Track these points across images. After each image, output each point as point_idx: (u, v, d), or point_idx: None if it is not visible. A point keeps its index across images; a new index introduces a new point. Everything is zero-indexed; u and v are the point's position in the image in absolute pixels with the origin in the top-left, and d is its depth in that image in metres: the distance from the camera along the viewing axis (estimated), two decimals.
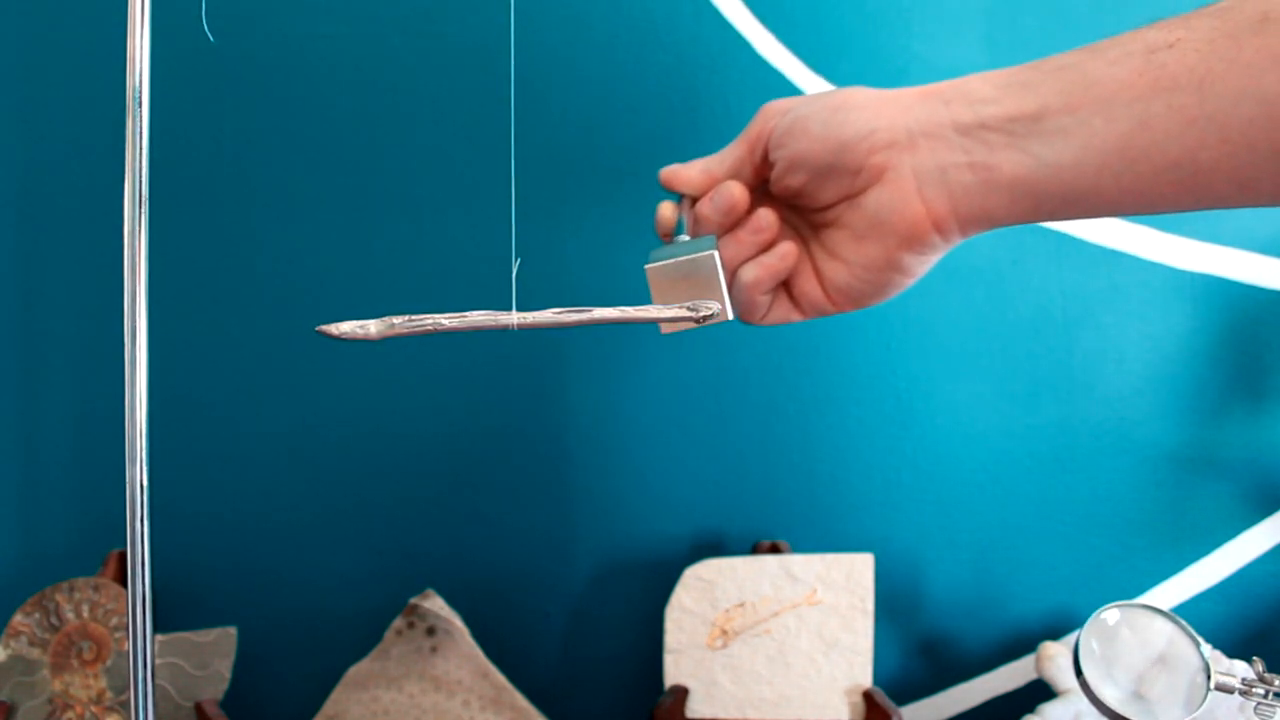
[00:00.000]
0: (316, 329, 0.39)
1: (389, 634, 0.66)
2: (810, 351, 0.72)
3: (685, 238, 0.46)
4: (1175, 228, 0.72)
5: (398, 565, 0.71)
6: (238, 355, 0.69)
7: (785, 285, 0.48)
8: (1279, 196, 0.36)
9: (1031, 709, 0.65)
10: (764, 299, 0.47)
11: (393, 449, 0.71)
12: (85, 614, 0.62)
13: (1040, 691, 0.69)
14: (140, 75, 0.38)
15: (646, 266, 0.45)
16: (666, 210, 0.48)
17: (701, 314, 0.43)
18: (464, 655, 0.66)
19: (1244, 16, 0.34)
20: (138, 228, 0.38)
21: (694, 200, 0.48)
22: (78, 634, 0.62)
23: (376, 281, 0.70)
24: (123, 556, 0.66)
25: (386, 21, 0.69)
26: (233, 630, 0.65)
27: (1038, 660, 0.67)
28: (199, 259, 0.69)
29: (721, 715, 0.67)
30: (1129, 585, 0.73)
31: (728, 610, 0.67)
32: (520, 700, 0.66)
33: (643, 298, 0.46)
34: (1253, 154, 0.34)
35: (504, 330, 0.40)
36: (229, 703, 0.65)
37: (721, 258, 0.44)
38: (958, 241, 0.43)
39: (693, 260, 0.44)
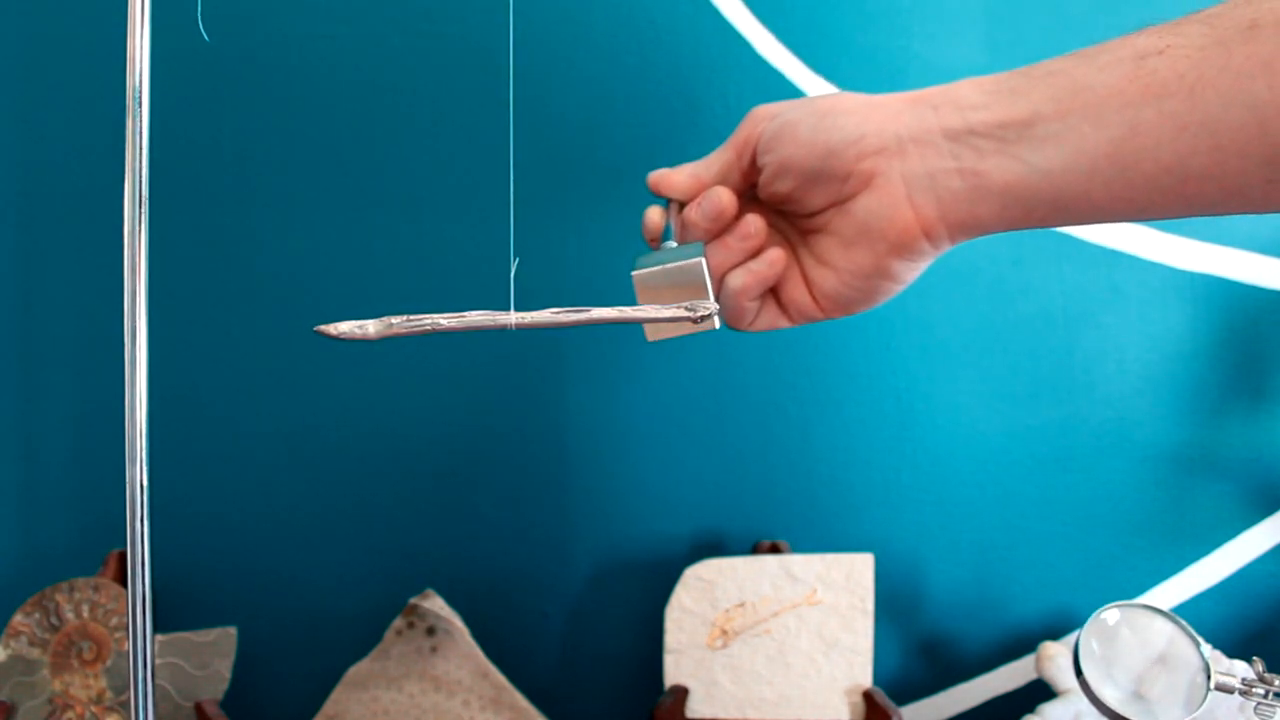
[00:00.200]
0: (314, 329, 0.39)
1: (389, 634, 0.66)
2: (810, 351, 0.72)
3: (673, 244, 0.46)
4: (1175, 228, 0.72)
5: (398, 565, 0.71)
6: (238, 355, 0.69)
7: (773, 291, 0.47)
8: (1270, 203, 0.36)
9: (1031, 709, 0.65)
10: (752, 305, 0.46)
11: (393, 449, 0.71)
12: (85, 614, 0.62)
13: (1040, 691, 0.69)
14: (140, 75, 0.38)
15: (633, 273, 0.44)
16: (654, 215, 0.48)
17: (699, 314, 0.42)
18: (464, 655, 0.66)
19: (1233, 23, 0.34)
20: (138, 228, 0.38)
21: (682, 205, 0.47)
22: (78, 634, 0.62)
23: (375, 281, 0.70)
24: (123, 556, 0.66)
25: (386, 21, 0.69)
26: (233, 630, 0.65)
27: (1038, 660, 0.67)
28: (199, 259, 0.69)
29: (721, 715, 0.67)
30: (1129, 585, 0.73)
31: (728, 610, 0.67)
32: (520, 700, 0.66)
33: None
34: (1244, 160, 0.34)
35: (503, 330, 0.40)
36: (229, 703, 0.65)
37: (709, 264, 0.44)
38: (947, 248, 0.43)
39: (680, 267, 0.43)
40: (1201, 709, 0.38)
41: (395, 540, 0.71)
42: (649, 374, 0.71)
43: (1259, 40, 0.33)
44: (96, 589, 0.63)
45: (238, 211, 0.69)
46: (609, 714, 0.73)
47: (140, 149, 0.38)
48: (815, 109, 0.43)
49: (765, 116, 0.45)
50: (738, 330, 0.48)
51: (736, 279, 0.45)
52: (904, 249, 0.43)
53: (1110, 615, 0.40)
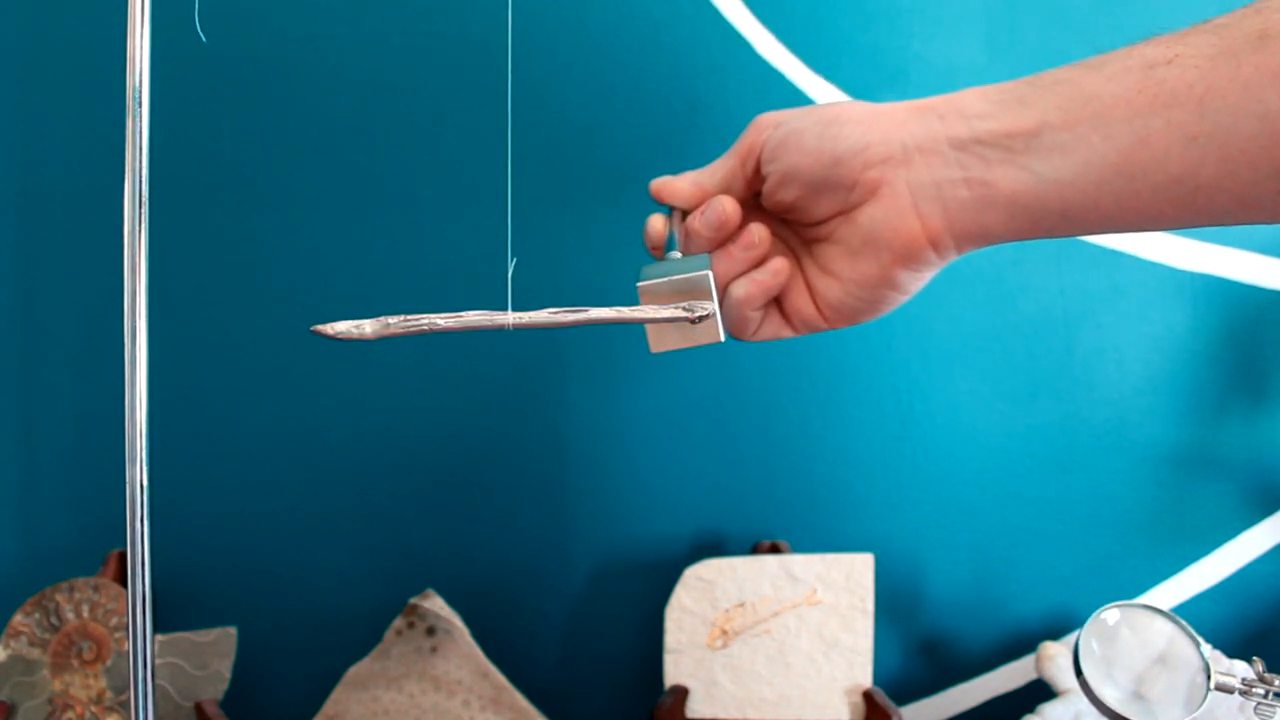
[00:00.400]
0: (311, 329, 0.39)
1: (389, 634, 0.66)
2: (810, 351, 0.72)
3: (677, 254, 0.45)
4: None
5: (398, 565, 0.71)
6: (238, 355, 0.69)
7: (777, 301, 0.47)
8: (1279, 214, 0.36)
9: (1031, 709, 0.65)
10: (755, 315, 0.46)
11: (393, 449, 0.71)
12: (85, 614, 0.63)
13: (1040, 691, 0.69)
14: (140, 75, 0.38)
15: (639, 285, 0.44)
16: (657, 224, 0.48)
17: (696, 314, 0.42)
18: (464, 655, 0.66)
19: (1243, 33, 0.34)
20: (138, 228, 0.38)
21: (684, 213, 0.47)
22: (78, 634, 0.62)
23: (375, 281, 0.70)
24: (123, 556, 0.66)
25: (386, 21, 0.69)
26: (233, 630, 0.65)
27: (1038, 660, 0.67)
28: (199, 259, 0.69)
29: (721, 715, 0.67)
30: (1129, 585, 0.73)
31: (728, 610, 0.67)
32: (520, 700, 0.66)
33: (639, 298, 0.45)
34: (1254, 171, 0.34)
35: (502, 330, 0.40)
36: (229, 703, 0.65)
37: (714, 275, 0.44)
38: (953, 258, 0.43)
39: (687, 279, 0.43)
40: (1201, 709, 0.38)
41: (395, 540, 0.71)
42: (649, 374, 0.71)
43: (1269, 51, 0.33)
44: (96, 589, 0.63)
45: (237, 211, 0.69)
46: (609, 714, 0.73)
47: (140, 149, 0.38)
48: (820, 117, 0.43)
49: (770, 124, 0.45)
50: (740, 340, 0.47)
51: (740, 289, 0.45)
52: (910, 259, 0.42)
53: (1110, 615, 0.40)
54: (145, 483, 0.39)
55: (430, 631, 0.66)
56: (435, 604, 0.66)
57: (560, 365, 0.71)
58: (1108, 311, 0.72)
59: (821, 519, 0.72)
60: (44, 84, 0.68)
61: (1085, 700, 0.40)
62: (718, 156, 0.48)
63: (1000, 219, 0.40)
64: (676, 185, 0.47)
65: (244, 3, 0.68)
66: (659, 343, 0.44)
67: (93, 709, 0.62)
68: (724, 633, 0.67)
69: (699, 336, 0.43)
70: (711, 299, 0.43)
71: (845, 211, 0.43)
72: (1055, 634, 0.72)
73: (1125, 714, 0.38)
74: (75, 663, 0.62)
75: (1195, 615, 0.72)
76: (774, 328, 0.47)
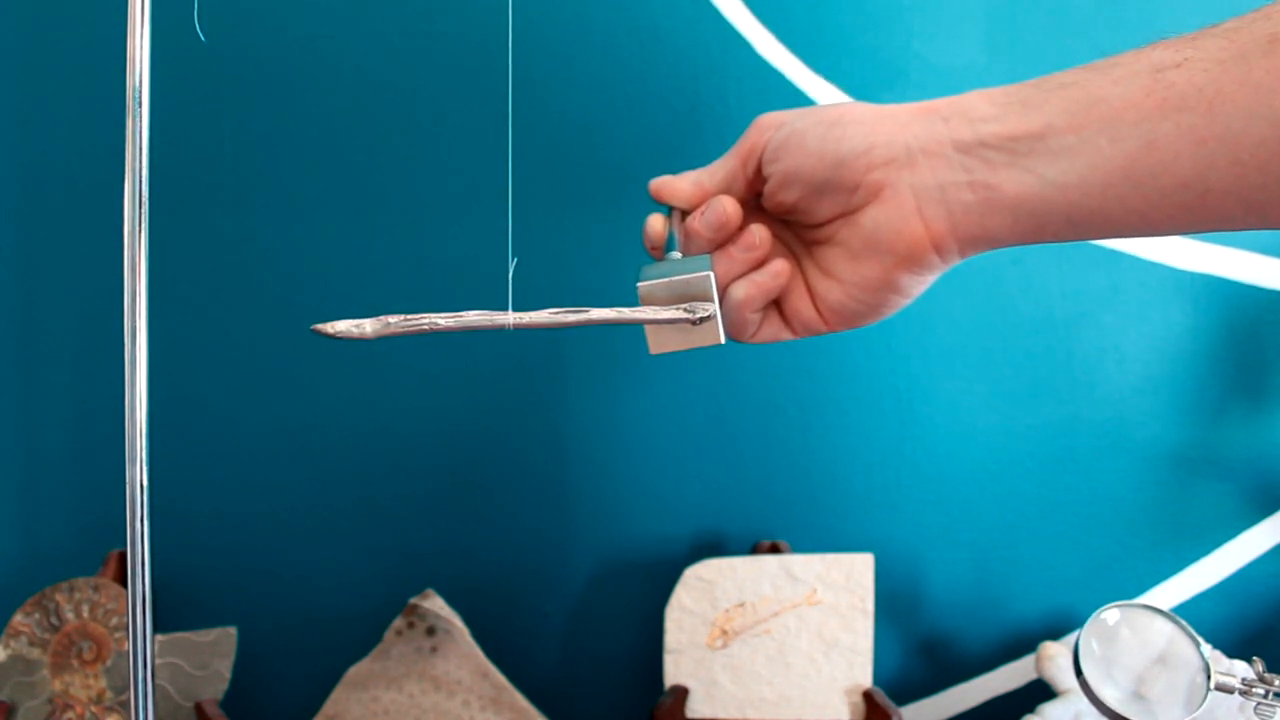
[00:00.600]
0: (311, 328, 0.39)
1: (389, 634, 0.66)
2: (810, 351, 0.72)
3: (677, 254, 0.45)
4: None
5: (398, 565, 0.71)
6: (238, 355, 0.69)
7: (776, 303, 0.47)
8: None
9: (1031, 709, 0.65)
10: (754, 317, 0.46)
11: (393, 449, 0.71)
12: (85, 614, 0.63)
13: (1040, 691, 0.69)
14: (140, 75, 0.38)
15: (639, 285, 0.43)
16: (656, 223, 0.47)
17: (698, 315, 0.42)
18: (464, 655, 0.66)
19: (1253, 37, 0.34)
20: (138, 228, 0.38)
21: (684, 213, 0.47)
22: (78, 634, 0.62)
23: (375, 281, 0.70)
24: (123, 556, 0.66)
25: (386, 21, 0.69)
26: (233, 630, 0.65)
27: (1038, 660, 0.67)
28: (199, 259, 0.69)
29: (721, 715, 0.67)
30: (1129, 585, 0.73)
31: (728, 610, 0.67)
32: (520, 700, 0.66)
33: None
34: (1264, 176, 0.34)
35: (502, 330, 0.40)
36: (229, 703, 0.65)
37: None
38: (956, 262, 0.42)
39: (687, 280, 0.42)
40: (1201, 709, 0.38)
41: (395, 540, 0.71)
42: (649, 374, 0.71)
43: None
44: (96, 589, 0.63)
45: (237, 211, 0.69)
46: (609, 714, 0.73)
47: (140, 149, 0.38)
48: (823, 118, 0.43)
49: (772, 125, 0.44)
50: (739, 341, 0.47)
51: (739, 290, 0.44)
52: (912, 262, 0.42)
53: (1110, 615, 0.40)
54: (145, 483, 0.39)
55: (430, 631, 0.66)
56: (435, 604, 0.66)
57: (560, 365, 0.71)
58: (1108, 311, 0.72)
59: (821, 519, 0.72)
60: (44, 84, 0.68)
61: (1085, 700, 0.40)
62: (718, 157, 0.47)
63: (1004, 223, 0.40)
64: (676, 185, 0.47)
65: (244, 3, 0.68)
66: (658, 344, 0.44)
67: (93, 709, 0.62)
68: (724, 633, 0.67)
69: (698, 338, 0.43)
70: (712, 300, 0.42)
71: (847, 214, 0.43)
72: (1055, 634, 0.72)
73: (1125, 714, 0.38)
74: (75, 663, 0.62)
75: (1195, 615, 0.72)
76: (773, 330, 0.47)
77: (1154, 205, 0.37)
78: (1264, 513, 0.73)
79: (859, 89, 0.71)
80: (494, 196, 0.69)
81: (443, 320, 0.39)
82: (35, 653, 0.62)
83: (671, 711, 0.65)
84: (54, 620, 0.62)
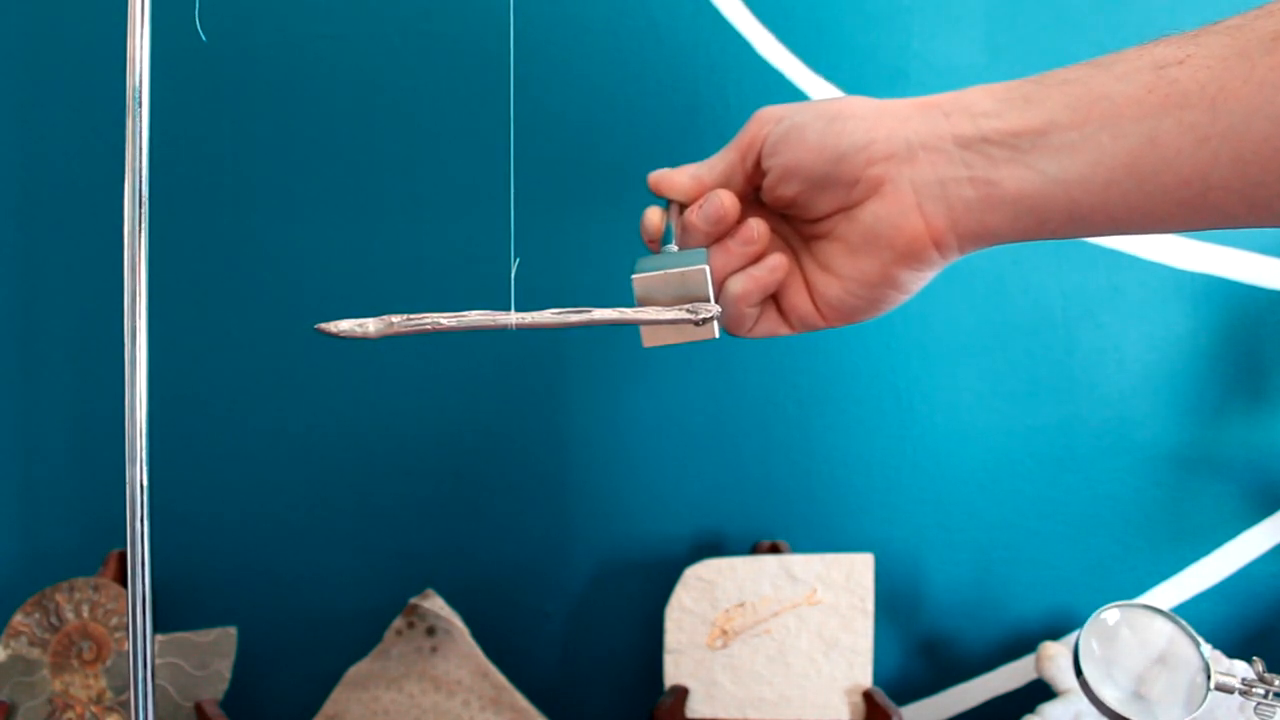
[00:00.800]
0: (315, 327, 0.39)
1: (389, 634, 0.66)
2: (810, 351, 0.72)
3: (674, 247, 0.45)
4: None
5: (398, 565, 0.71)
6: (238, 355, 0.69)
7: (774, 298, 0.46)
8: None
9: (1031, 709, 0.65)
10: (751, 311, 0.45)
11: (393, 449, 0.71)
12: (85, 614, 0.62)
13: (1040, 691, 0.69)
14: (140, 75, 0.38)
15: (633, 276, 0.43)
16: (654, 216, 0.47)
17: (700, 316, 0.42)
18: (464, 655, 0.66)
19: (1256, 35, 0.34)
20: (138, 228, 0.38)
21: (682, 207, 0.46)
22: (78, 634, 0.62)
23: (376, 281, 0.70)
24: (123, 556, 0.66)
25: (386, 21, 0.69)
26: (233, 630, 0.65)
27: (1038, 660, 0.67)
28: (199, 259, 0.69)
29: (721, 715, 0.67)
30: (1129, 585, 0.73)
31: (728, 610, 0.67)
32: (520, 700, 0.66)
33: None
34: (1266, 173, 0.34)
35: (503, 330, 0.40)
36: (229, 703, 0.65)
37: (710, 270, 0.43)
38: (955, 258, 0.42)
39: (682, 273, 0.42)
40: (1201, 709, 0.38)
41: (395, 540, 0.71)
42: (649, 374, 0.71)
43: None
44: (96, 589, 0.63)
45: (238, 211, 0.69)
46: (609, 714, 0.73)
47: (140, 149, 0.38)
48: (823, 112, 0.42)
49: (771, 119, 0.44)
50: (736, 336, 0.47)
51: (737, 284, 0.44)
52: (912, 258, 0.42)
53: (1110, 615, 0.40)
54: (145, 483, 0.39)
55: (430, 631, 0.66)
56: (435, 604, 0.66)
57: (560, 365, 0.71)
58: (1108, 311, 0.72)
59: (821, 519, 0.72)
60: (44, 84, 0.68)
61: (1085, 700, 0.40)
62: None
63: (1005, 219, 0.40)
64: (675, 178, 0.47)
65: (244, 3, 0.68)
66: (652, 337, 0.44)
67: (93, 709, 0.62)
68: (724, 633, 0.67)
69: (693, 333, 0.43)
70: (708, 293, 0.42)
71: (847, 208, 0.43)
72: (1055, 634, 0.72)
73: (1125, 714, 0.38)
74: (75, 663, 0.62)
75: (1195, 615, 0.72)
76: (770, 325, 0.47)
77: (1155, 202, 0.37)
78: (1264, 513, 0.73)
79: (859, 89, 0.71)
80: (494, 196, 0.69)
81: (445, 320, 0.39)
82: (35, 653, 0.62)
83: (671, 711, 0.65)
84: (54, 620, 0.62)
